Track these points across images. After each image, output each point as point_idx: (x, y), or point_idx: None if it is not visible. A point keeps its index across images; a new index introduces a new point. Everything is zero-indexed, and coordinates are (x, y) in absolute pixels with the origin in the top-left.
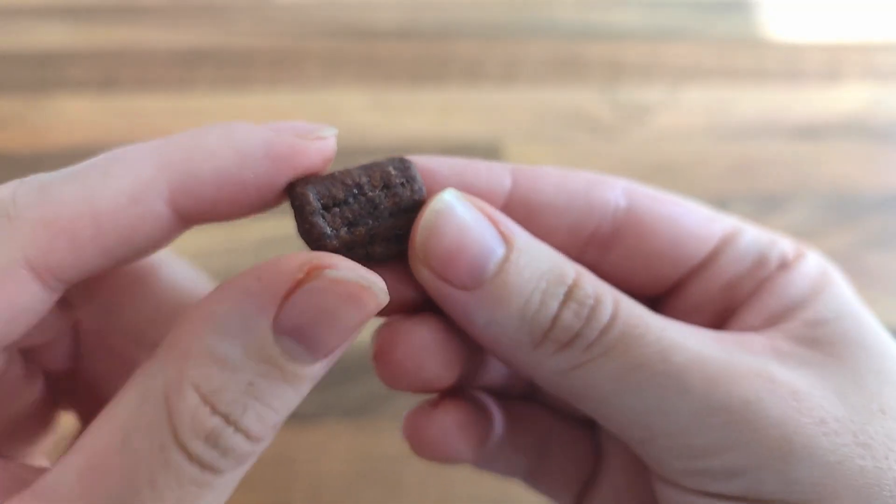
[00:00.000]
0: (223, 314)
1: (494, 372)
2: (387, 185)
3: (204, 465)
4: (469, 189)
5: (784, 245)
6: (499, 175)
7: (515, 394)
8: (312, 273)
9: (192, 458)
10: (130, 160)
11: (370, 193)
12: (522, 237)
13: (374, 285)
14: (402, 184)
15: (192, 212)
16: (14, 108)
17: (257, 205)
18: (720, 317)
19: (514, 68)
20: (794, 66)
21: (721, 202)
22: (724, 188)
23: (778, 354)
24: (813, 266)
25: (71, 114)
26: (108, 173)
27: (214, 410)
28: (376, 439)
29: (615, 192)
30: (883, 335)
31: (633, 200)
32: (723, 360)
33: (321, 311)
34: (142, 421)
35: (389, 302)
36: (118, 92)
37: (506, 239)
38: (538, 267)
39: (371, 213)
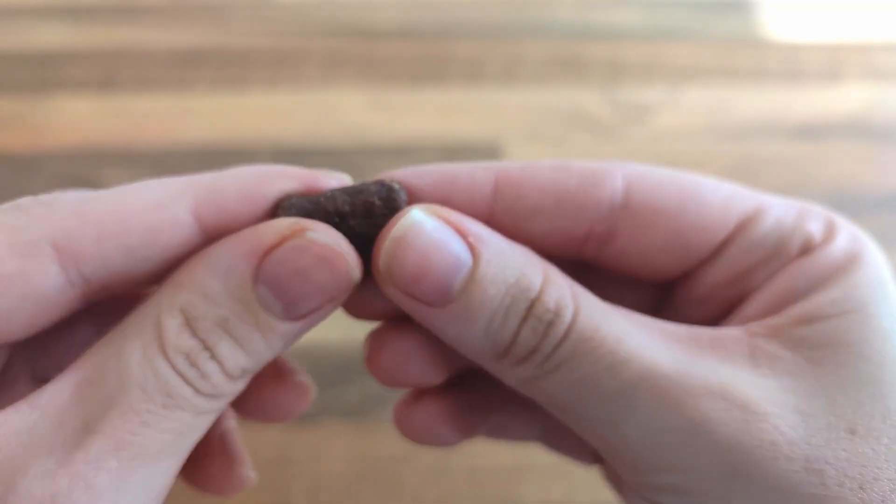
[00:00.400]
0: (216, 256)
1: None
2: (369, 215)
3: (186, 380)
4: (449, 204)
5: (812, 224)
6: (481, 185)
7: None
8: (296, 233)
9: (175, 369)
10: (163, 181)
11: (351, 222)
12: (492, 245)
13: (347, 253)
14: (385, 214)
15: (213, 221)
16: (13, 108)
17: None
18: (727, 309)
19: (515, 68)
20: (794, 66)
21: None
22: None
23: (752, 356)
24: (839, 249)
25: (70, 114)
26: (141, 187)
27: (194, 334)
28: (375, 440)
29: (613, 183)
30: (894, 335)
31: (632, 193)
32: (676, 376)
33: (296, 268)
34: (136, 336)
35: (377, 309)
36: (118, 92)
37: (473, 251)
38: (504, 280)
39: (351, 239)
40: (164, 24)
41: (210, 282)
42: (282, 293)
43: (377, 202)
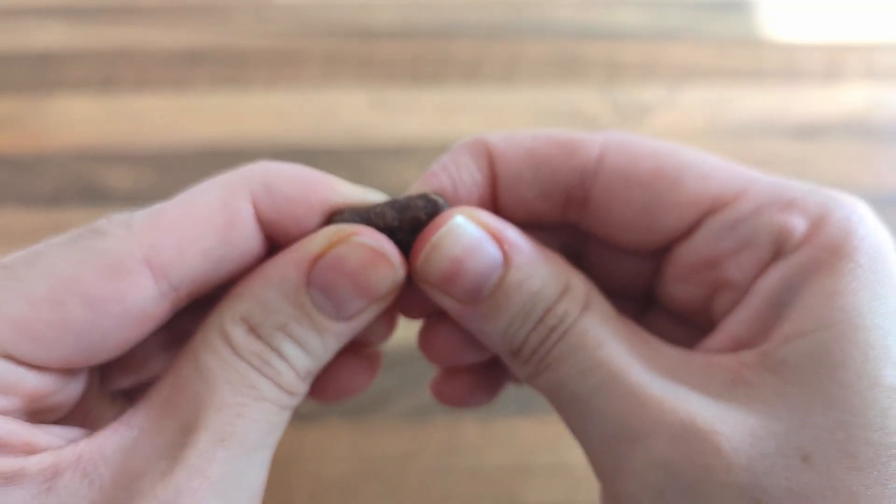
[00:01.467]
0: (270, 268)
1: None
2: (415, 230)
3: (265, 375)
4: (451, 182)
5: (795, 219)
6: (478, 148)
7: None
8: (342, 238)
9: (253, 366)
10: (218, 179)
11: (399, 236)
12: (524, 253)
13: (390, 254)
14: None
15: (272, 218)
16: (14, 108)
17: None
18: (710, 293)
19: (514, 68)
20: (793, 65)
21: None
22: None
23: (732, 385)
24: (820, 248)
25: (71, 114)
26: (201, 190)
27: (259, 338)
28: (377, 439)
29: (589, 152)
30: (877, 350)
31: (606, 162)
32: (636, 388)
33: (344, 270)
34: (206, 345)
35: (422, 308)
36: (118, 92)
37: (506, 257)
38: (529, 288)
39: (400, 250)
40: (165, 25)
41: (266, 291)
42: (332, 295)
43: (424, 217)
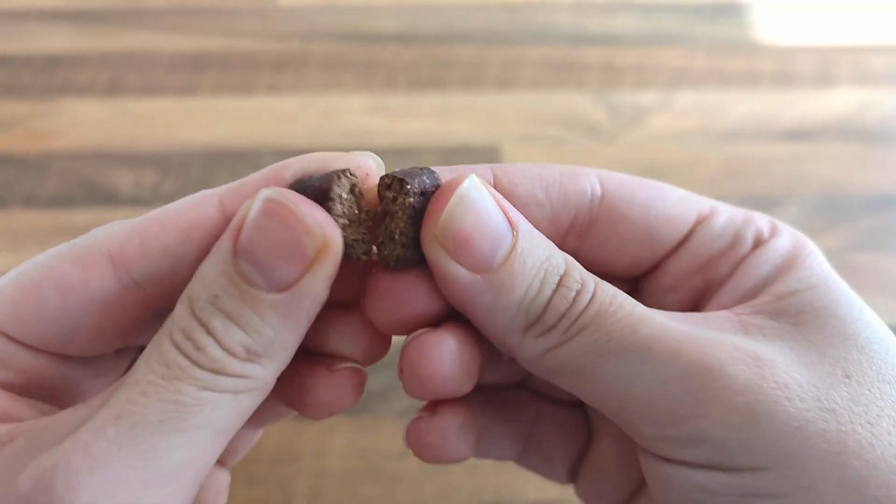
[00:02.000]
0: (216, 243)
1: (491, 368)
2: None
3: (182, 352)
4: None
5: (759, 222)
6: (482, 172)
7: (506, 383)
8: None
9: (173, 342)
10: (199, 192)
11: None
12: (525, 225)
13: (298, 209)
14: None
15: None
16: (22, 110)
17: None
18: (698, 297)
19: (513, 73)
20: (785, 68)
21: None
22: (717, 190)
23: (743, 327)
24: (787, 241)
25: (78, 116)
26: (181, 199)
27: (192, 314)
28: (376, 436)
29: (590, 180)
30: (855, 303)
31: (607, 188)
32: (687, 331)
33: (259, 230)
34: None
35: (412, 315)
36: (124, 95)
37: (513, 226)
38: (539, 255)
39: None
40: (170, 29)
41: (205, 265)
42: (254, 259)
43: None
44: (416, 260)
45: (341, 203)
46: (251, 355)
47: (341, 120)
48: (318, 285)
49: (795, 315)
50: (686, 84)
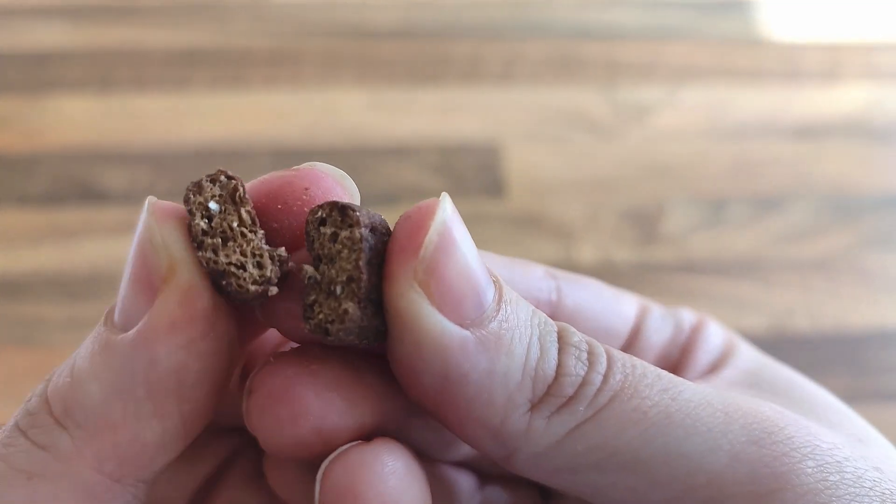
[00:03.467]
0: None
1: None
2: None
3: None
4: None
5: (685, 312)
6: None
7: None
8: None
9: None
10: None
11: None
12: (497, 271)
13: (147, 220)
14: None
15: None
16: (11, 108)
17: None
18: None
19: (513, 68)
20: (793, 65)
21: (720, 203)
22: (723, 188)
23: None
24: (717, 327)
25: (68, 114)
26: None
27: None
28: None
29: (541, 277)
30: (797, 376)
31: (560, 287)
32: (722, 392)
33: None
34: None
35: (333, 427)
36: (115, 92)
37: (492, 275)
38: (525, 308)
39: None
40: (162, 25)
41: None
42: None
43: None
44: (368, 327)
45: (208, 216)
46: (65, 417)
47: (338, 117)
48: (156, 328)
49: (770, 386)
50: (691, 80)
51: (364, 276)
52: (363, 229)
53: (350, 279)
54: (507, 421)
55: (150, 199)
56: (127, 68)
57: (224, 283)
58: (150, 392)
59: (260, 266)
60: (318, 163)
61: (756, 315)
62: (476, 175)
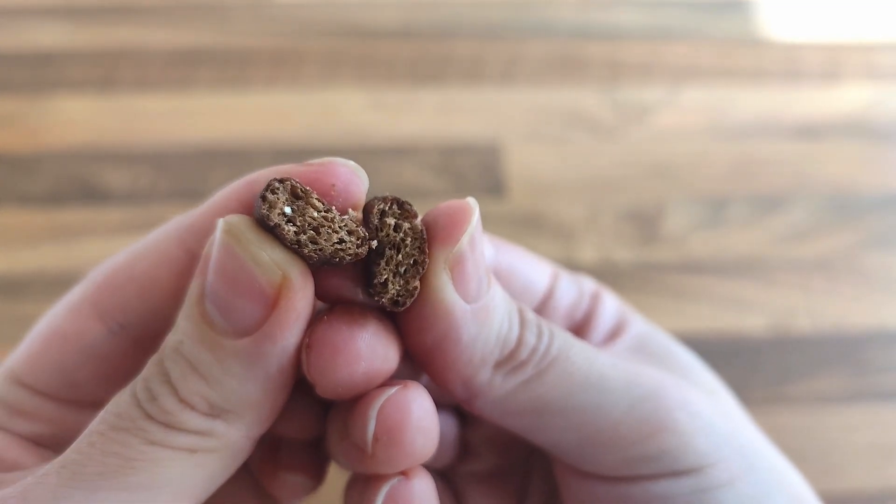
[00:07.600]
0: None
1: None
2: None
3: (136, 402)
4: None
5: (585, 281)
6: None
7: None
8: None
9: (131, 394)
10: (161, 227)
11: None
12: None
13: (245, 240)
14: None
15: (200, 247)
16: (13, 107)
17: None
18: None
19: (514, 68)
20: (793, 65)
21: (720, 202)
22: (724, 188)
23: (637, 360)
24: (612, 297)
25: (70, 114)
26: (146, 238)
27: (159, 362)
28: None
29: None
30: (673, 343)
31: (496, 247)
32: (622, 362)
33: (221, 270)
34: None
35: (377, 370)
36: (117, 92)
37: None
38: (501, 291)
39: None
40: (164, 24)
41: (182, 307)
42: (217, 301)
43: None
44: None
45: (289, 220)
46: (214, 410)
47: (339, 117)
48: (283, 328)
49: (657, 356)
50: (692, 80)
51: (428, 261)
52: (417, 220)
53: (415, 262)
54: (476, 374)
55: (227, 221)
56: (129, 68)
57: (337, 259)
58: (282, 370)
59: (351, 232)
60: (335, 158)
61: (756, 315)
62: (477, 175)
